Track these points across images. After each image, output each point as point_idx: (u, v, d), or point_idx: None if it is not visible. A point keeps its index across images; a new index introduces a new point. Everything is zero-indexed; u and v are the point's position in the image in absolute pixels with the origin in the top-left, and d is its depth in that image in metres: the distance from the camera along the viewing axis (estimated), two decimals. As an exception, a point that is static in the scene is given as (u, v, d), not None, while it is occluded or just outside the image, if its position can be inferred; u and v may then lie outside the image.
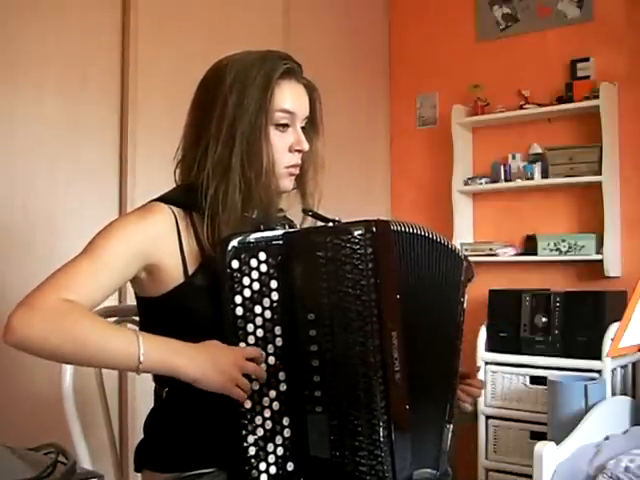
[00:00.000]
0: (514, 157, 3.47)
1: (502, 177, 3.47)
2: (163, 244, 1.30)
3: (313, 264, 1.26)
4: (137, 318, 1.52)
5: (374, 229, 1.26)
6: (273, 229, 1.33)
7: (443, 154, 3.66)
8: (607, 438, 2.49)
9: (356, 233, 1.25)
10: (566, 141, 3.36)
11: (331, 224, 1.32)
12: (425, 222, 1.37)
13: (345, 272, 1.24)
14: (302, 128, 1.40)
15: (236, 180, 1.31)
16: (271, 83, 1.33)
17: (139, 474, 1.40)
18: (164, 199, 1.36)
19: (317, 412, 1.23)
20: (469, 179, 3.58)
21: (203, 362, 1.21)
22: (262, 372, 1.24)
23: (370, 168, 3.80)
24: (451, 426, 1.37)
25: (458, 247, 1.49)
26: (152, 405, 1.41)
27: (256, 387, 1.24)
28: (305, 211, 1.43)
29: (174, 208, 1.34)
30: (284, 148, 1.37)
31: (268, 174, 1.33)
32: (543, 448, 2.24)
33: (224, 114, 1.32)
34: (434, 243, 1.35)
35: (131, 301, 1.43)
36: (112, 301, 1.88)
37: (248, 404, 1.23)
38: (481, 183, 3.53)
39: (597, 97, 3.17)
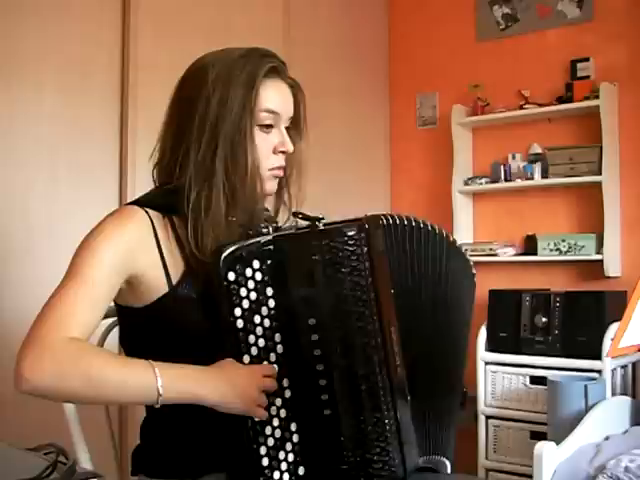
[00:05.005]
0: (514, 157, 3.47)
1: (502, 177, 3.47)
2: (141, 253, 1.24)
3: (310, 268, 1.23)
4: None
5: (367, 227, 1.25)
6: (261, 233, 1.29)
7: (443, 154, 3.66)
8: (607, 438, 2.49)
9: (350, 234, 1.24)
10: (566, 141, 3.36)
11: (322, 226, 1.27)
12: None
13: (344, 274, 1.23)
14: (286, 129, 1.35)
15: (220, 184, 1.26)
16: (256, 82, 1.27)
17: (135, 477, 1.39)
18: (140, 202, 1.29)
19: (325, 415, 1.23)
20: (469, 179, 3.58)
21: (223, 387, 1.17)
22: (276, 386, 1.22)
23: (370, 168, 3.80)
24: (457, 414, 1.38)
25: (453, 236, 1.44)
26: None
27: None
28: (295, 214, 1.36)
29: (151, 212, 1.27)
30: (268, 149, 1.32)
31: (253, 177, 1.28)
32: (543, 448, 2.23)
33: (206, 114, 1.26)
34: (425, 231, 1.32)
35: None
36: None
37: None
38: (481, 183, 3.53)
39: (597, 97, 3.17)
